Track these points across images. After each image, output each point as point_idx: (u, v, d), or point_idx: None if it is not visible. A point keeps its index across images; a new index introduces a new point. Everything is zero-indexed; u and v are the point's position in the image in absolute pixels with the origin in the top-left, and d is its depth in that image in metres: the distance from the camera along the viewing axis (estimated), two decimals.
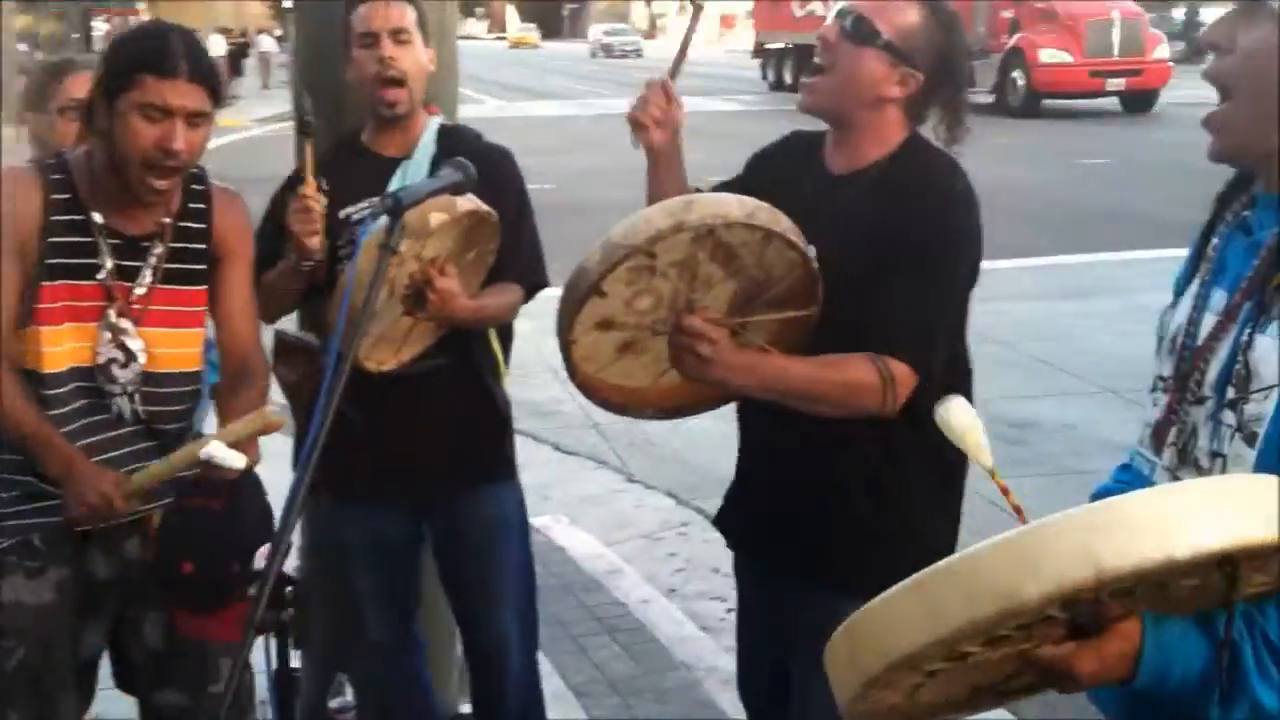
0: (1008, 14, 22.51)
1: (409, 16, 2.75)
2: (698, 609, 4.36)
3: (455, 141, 2.78)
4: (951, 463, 2.31)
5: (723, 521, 2.60)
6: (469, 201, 2.52)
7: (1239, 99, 1.48)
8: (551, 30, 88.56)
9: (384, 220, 2.01)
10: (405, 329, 2.69)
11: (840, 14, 2.27)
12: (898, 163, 2.29)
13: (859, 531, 2.31)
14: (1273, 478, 1.32)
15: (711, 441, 5.97)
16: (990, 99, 21.96)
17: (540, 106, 29.33)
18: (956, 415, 1.76)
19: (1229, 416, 1.51)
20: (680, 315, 2.11)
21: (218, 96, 2.31)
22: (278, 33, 39.35)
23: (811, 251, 2.13)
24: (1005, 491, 1.69)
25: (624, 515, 5.31)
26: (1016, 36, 22.25)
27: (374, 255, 2.04)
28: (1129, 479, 1.80)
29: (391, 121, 2.77)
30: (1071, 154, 16.90)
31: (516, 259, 2.79)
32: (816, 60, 2.30)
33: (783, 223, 2.07)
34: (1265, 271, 1.49)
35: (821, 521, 2.34)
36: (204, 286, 2.44)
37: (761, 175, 2.47)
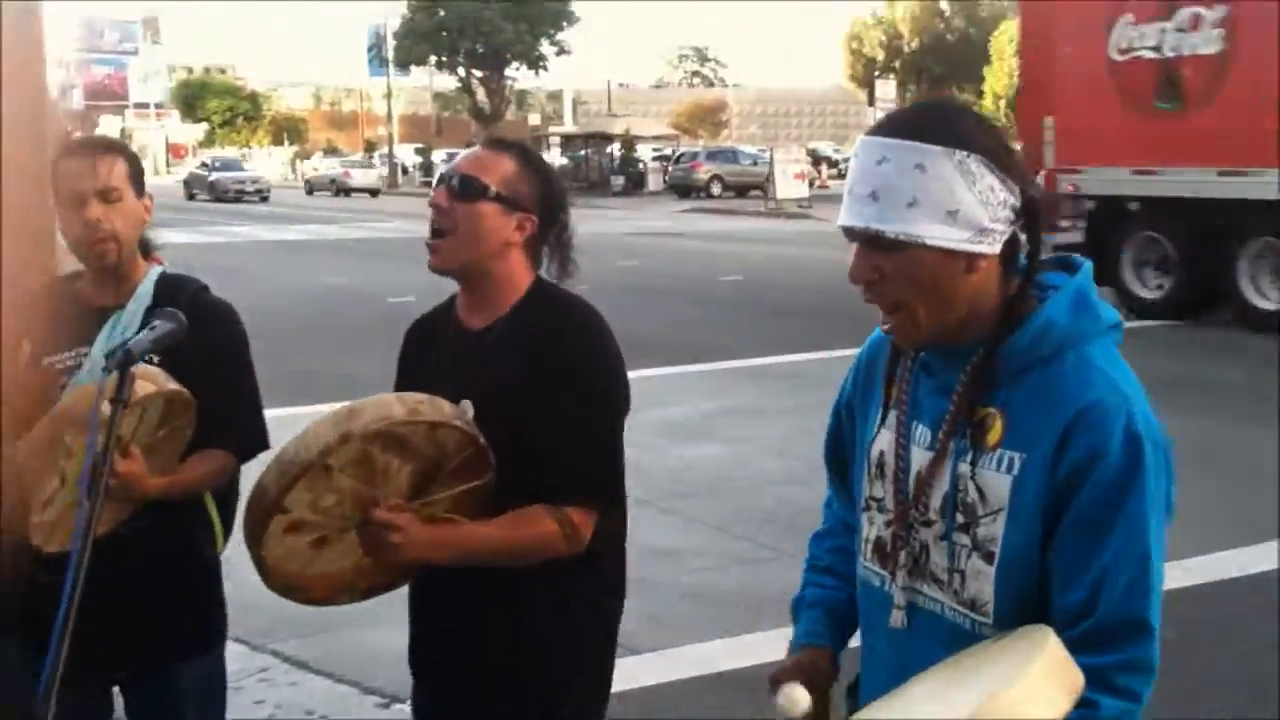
0: None
1: (119, 171, 2.61)
2: None
3: (174, 292, 2.69)
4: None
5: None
6: (166, 379, 2.46)
7: (910, 307, 1.73)
8: None
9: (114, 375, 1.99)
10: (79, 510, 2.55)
11: (444, 179, 2.42)
12: (533, 305, 2.42)
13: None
14: (1052, 654, 1.56)
15: None
16: None
17: None
18: (798, 701, 1.86)
19: (961, 538, 1.75)
20: (365, 511, 2.20)
21: None
22: None
23: (470, 416, 2.25)
24: None
25: None
26: None
27: (83, 401, 2.01)
28: (828, 582, 2.08)
29: (103, 271, 2.64)
30: None
31: (231, 425, 2.69)
32: (435, 226, 2.40)
33: (445, 410, 2.20)
34: (964, 411, 1.76)
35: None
36: None
37: (411, 344, 2.60)
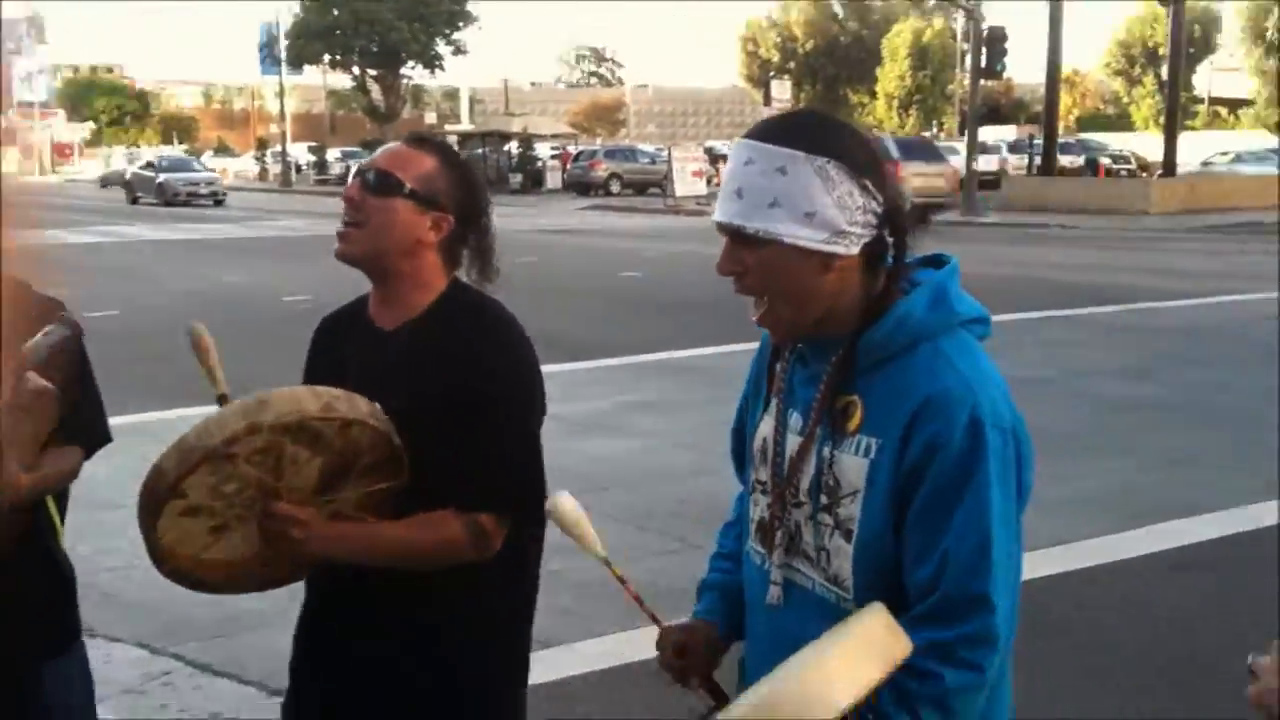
0: None
1: None
2: None
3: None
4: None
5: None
6: (34, 377, 2.38)
7: (773, 300, 1.85)
8: None
9: None
10: None
11: (360, 173, 2.38)
12: (447, 309, 2.37)
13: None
14: (863, 625, 1.69)
15: (171, 585, 5.74)
16: None
17: None
18: (565, 508, 2.00)
19: (825, 518, 1.87)
20: (267, 502, 2.16)
21: None
22: None
23: (385, 420, 2.20)
24: (622, 580, 1.94)
25: (97, 673, 4.89)
26: None
27: None
28: (728, 567, 2.17)
29: None
30: None
31: (77, 420, 2.58)
32: (347, 219, 2.36)
33: (361, 408, 2.16)
34: (829, 399, 1.87)
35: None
36: None
37: (320, 341, 2.55)
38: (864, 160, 1.82)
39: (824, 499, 1.85)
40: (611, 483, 7.49)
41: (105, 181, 52.70)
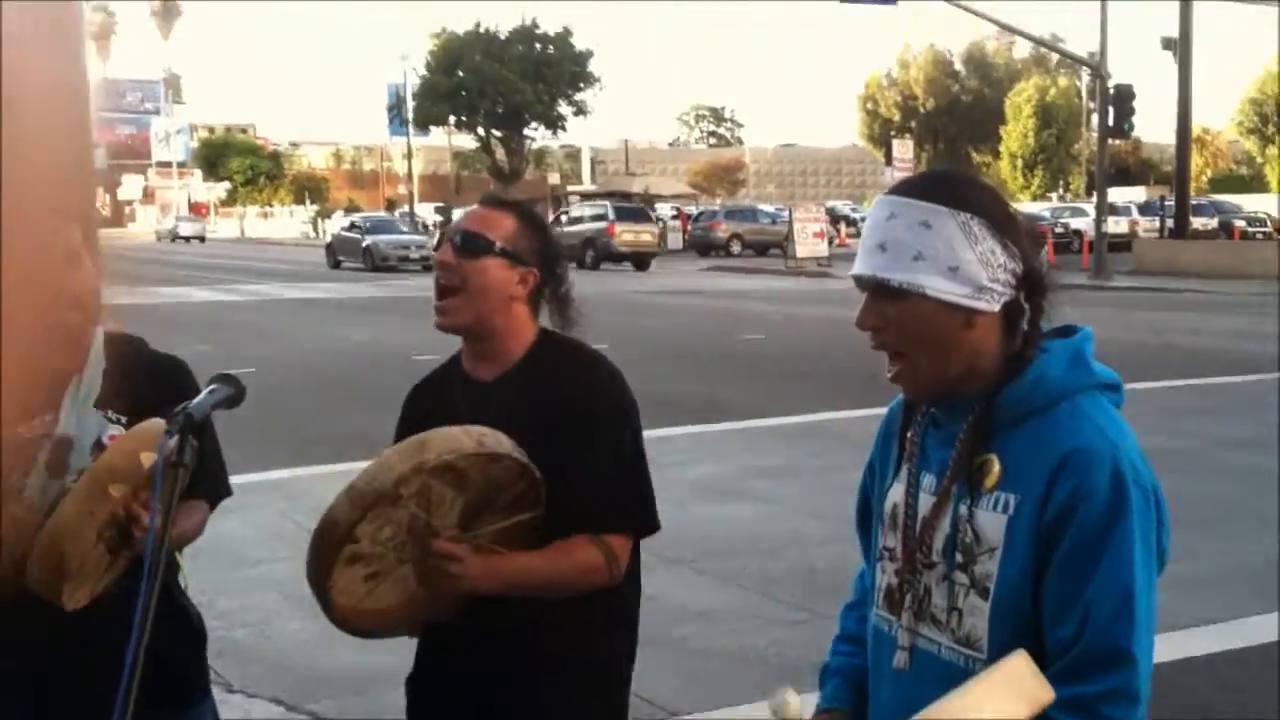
0: None
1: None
2: None
3: (127, 350, 2.67)
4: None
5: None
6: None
7: (913, 356, 1.86)
8: None
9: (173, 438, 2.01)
10: (104, 565, 2.53)
11: (449, 237, 2.51)
12: (542, 354, 2.52)
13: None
14: (1009, 665, 1.67)
15: (308, 641, 5.86)
16: None
17: None
18: (792, 707, 1.93)
19: (960, 577, 1.86)
20: (425, 541, 2.24)
21: None
22: None
23: (525, 455, 2.28)
24: None
25: None
26: None
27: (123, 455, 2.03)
28: (851, 650, 2.15)
29: None
30: None
31: (204, 476, 2.68)
32: (442, 283, 2.49)
33: (505, 444, 2.25)
34: (965, 458, 1.86)
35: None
36: None
37: (418, 405, 2.64)
38: (1003, 219, 1.85)
39: (959, 557, 1.85)
40: (736, 549, 7.45)
41: (159, 236, 53.26)
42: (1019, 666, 1.66)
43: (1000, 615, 1.81)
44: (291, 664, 5.58)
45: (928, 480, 1.93)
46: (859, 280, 1.87)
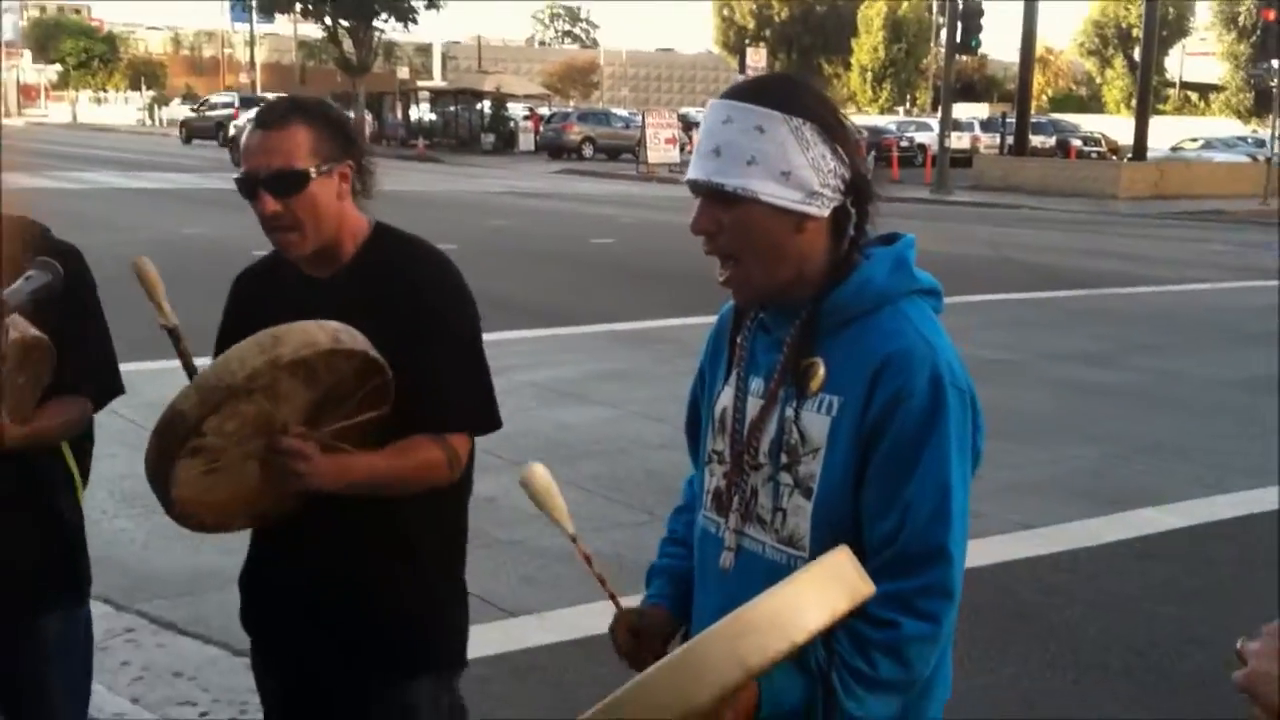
0: None
1: None
2: (172, 716, 4.16)
3: (26, 238, 2.54)
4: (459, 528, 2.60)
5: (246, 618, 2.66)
6: (26, 326, 2.34)
7: (745, 260, 1.86)
8: None
9: None
10: None
11: (255, 184, 2.36)
12: (377, 249, 2.47)
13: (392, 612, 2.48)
14: (832, 559, 1.69)
15: (137, 540, 5.72)
16: None
17: None
18: (539, 480, 1.99)
19: (785, 478, 1.88)
20: (274, 438, 2.19)
21: None
22: None
23: (377, 351, 2.24)
24: (587, 559, 1.94)
25: None
26: None
27: None
28: (678, 552, 2.18)
29: None
30: None
31: (85, 370, 2.60)
32: (275, 226, 2.38)
33: (360, 341, 2.20)
34: (791, 361, 1.89)
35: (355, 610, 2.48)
36: None
37: (242, 296, 2.59)
38: (835, 125, 1.85)
39: (784, 458, 1.87)
40: (580, 452, 7.49)
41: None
42: (841, 560, 1.68)
43: (822, 514, 1.84)
44: (120, 563, 5.43)
45: (755, 384, 1.95)
46: (694, 185, 1.86)
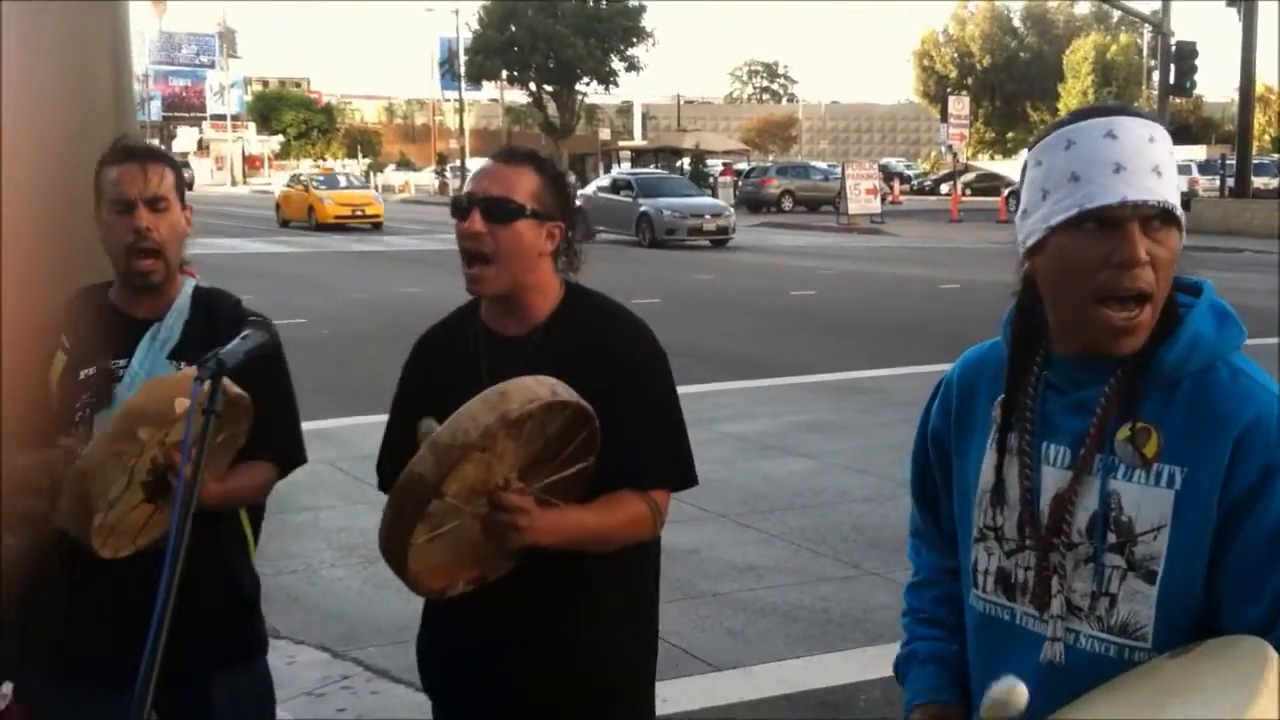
0: None
1: (168, 181, 2.60)
2: None
3: (211, 305, 2.68)
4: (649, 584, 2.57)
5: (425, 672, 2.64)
6: (228, 383, 2.36)
7: (1156, 303, 1.66)
8: None
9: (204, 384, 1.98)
10: (145, 515, 2.49)
11: (470, 204, 2.38)
12: (571, 309, 2.46)
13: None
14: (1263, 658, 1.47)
15: (353, 589, 5.89)
16: None
17: None
18: (1018, 700, 1.65)
19: (1113, 559, 1.67)
20: (498, 495, 2.16)
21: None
22: None
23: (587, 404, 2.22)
24: None
25: (279, 674, 5.06)
26: None
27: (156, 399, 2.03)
28: (936, 634, 1.96)
29: (143, 283, 2.62)
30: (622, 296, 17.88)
31: (272, 436, 2.66)
32: (471, 250, 2.39)
33: (572, 392, 2.18)
34: (1109, 427, 1.69)
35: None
36: None
37: (427, 353, 2.58)
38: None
39: (1112, 537, 1.67)
40: (782, 504, 7.41)
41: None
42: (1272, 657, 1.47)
43: (1169, 600, 1.64)
44: (336, 611, 5.60)
45: (1055, 452, 1.74)
46: (1138, 207, 1.61)
